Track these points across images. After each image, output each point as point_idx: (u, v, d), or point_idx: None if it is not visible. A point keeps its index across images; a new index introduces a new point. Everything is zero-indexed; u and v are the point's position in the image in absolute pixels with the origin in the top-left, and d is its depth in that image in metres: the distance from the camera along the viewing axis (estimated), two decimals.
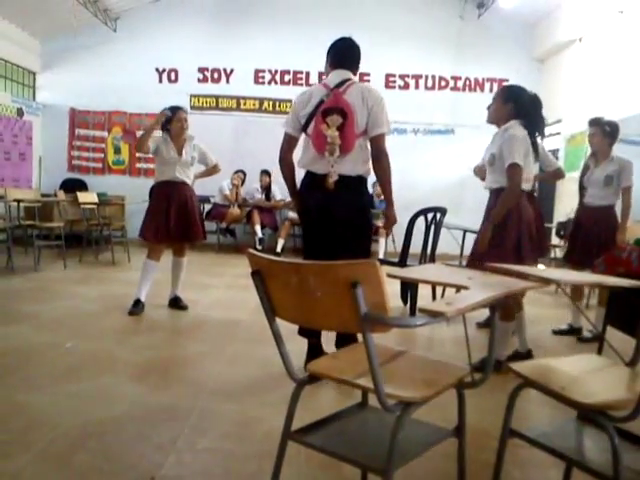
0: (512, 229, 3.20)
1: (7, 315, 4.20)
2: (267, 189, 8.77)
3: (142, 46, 9.08)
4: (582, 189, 4.39)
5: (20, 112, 8.70)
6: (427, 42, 9.04)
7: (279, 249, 8.21)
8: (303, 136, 3.18)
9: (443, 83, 9.26)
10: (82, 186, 9.01)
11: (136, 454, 2.14)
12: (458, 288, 1.59)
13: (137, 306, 4.40)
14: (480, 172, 4.53)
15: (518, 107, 3.30)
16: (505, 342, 3.36)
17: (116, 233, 7.63)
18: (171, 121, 4.46)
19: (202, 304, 4.89)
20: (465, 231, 5.51)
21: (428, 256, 4.89)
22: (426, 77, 9.25)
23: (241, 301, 5.02)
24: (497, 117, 3.40)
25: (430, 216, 4.90)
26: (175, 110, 4.51)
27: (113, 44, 9.11)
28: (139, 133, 9.16)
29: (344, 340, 2.89)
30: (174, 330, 4.17)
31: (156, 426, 2.39)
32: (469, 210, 6.84)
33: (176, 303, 4.65)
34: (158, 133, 4.56)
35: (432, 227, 4.86)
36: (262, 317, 1.62)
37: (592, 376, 1.70)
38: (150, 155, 4.56)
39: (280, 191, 8.69)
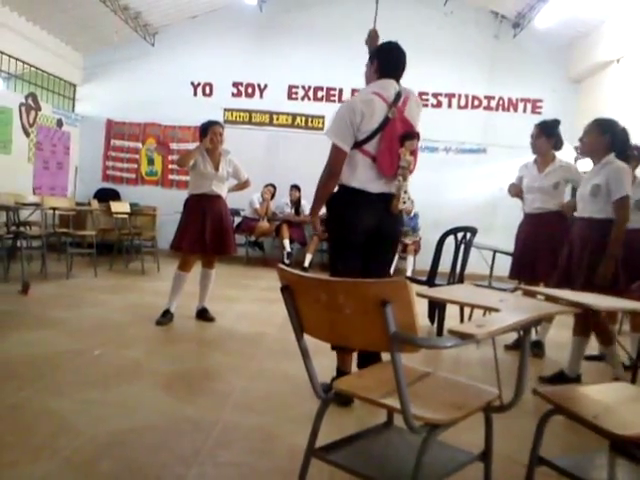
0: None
1: (38, 320, 4.28)
2: (297, 204, 8.82)
3: (178, 60, 9.30)
4: None
5: (59, 123, 8.95)
6: (461, 61, 9.02)
7: (307, 264, 8.23)
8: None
9: (476, 102, 9.21)
10: (115, 196, 9.20)
11: (159, 464, 2.14)
12: (490, 310, 1.56)
13: (165, 316, 4.44)
14: (515, 190, 4.47)
15: (614, 139, 3.33)
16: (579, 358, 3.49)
17: (146, 243, 7.75)
18: (206, 134, 4.49)
19: (229, 316, 4.91)
20: (495, 251, 5.44)
21: (457, 276, 4.84)
22: (459, 96, 9.22)
23: (268, 314, 5.04)
24: (594, 149, 3.41)
25: (460, 235, 4.86)
26: (211, 124, 4.55)
27: (151, 58, 9.35)
28: (173, 145, 9.37)
29: (366, 359, 2.86)
30: (200, 341, 4.19)
31: (179, 437, 2.40)
32: (499, 230, 6.79)
33: (203, 315, 4.67)
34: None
35: (462, 247, 4.82)
36: (288, 331, 1.62)
37: (626, 406, 1.65)
38: (186, 168, 4.60)
39: (310, 206, 8.72)
